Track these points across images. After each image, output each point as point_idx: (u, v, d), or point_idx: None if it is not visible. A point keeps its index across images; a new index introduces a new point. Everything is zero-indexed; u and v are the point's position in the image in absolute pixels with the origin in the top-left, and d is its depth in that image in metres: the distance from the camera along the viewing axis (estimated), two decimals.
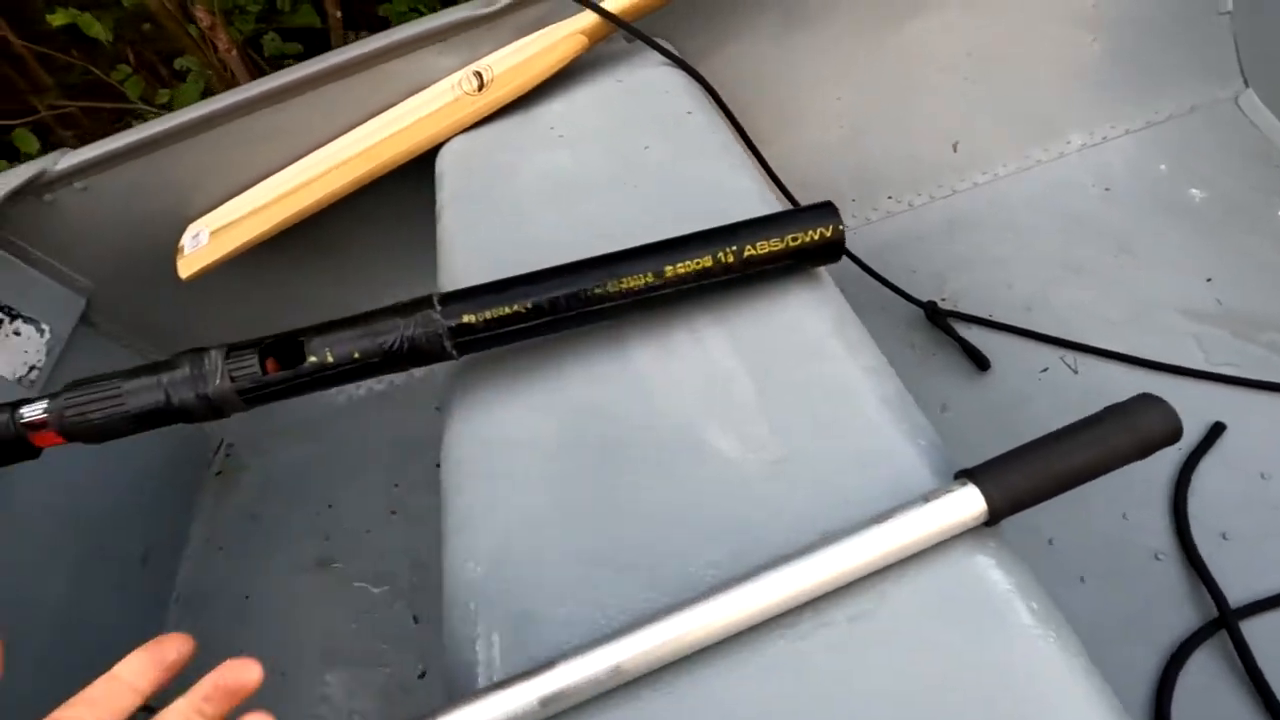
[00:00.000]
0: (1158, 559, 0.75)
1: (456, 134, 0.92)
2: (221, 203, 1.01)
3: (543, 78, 0.92)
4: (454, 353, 0.54)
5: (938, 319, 0.99)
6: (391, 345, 0.53)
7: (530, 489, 0.50)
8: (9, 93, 2.73)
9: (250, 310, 1.11)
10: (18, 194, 0.90)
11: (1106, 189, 1.08)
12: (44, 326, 0.94)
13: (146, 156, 0.95)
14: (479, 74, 0.93)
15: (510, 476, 0.52)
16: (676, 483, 0.48)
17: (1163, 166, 1.08)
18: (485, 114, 0.92)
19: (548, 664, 0.38)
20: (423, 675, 0.84)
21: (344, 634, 0.90)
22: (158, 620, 0.97)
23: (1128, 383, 0.89)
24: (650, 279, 0.55)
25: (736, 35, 1.08)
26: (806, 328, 0.55)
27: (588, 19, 0.91)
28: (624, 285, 0.54)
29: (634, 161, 0.77)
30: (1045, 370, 0.93)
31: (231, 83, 2.30)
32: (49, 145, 2.53)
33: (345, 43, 2.47)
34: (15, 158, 2.42)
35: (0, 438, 0.51)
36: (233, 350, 0.53)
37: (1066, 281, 1.01)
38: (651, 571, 0.44)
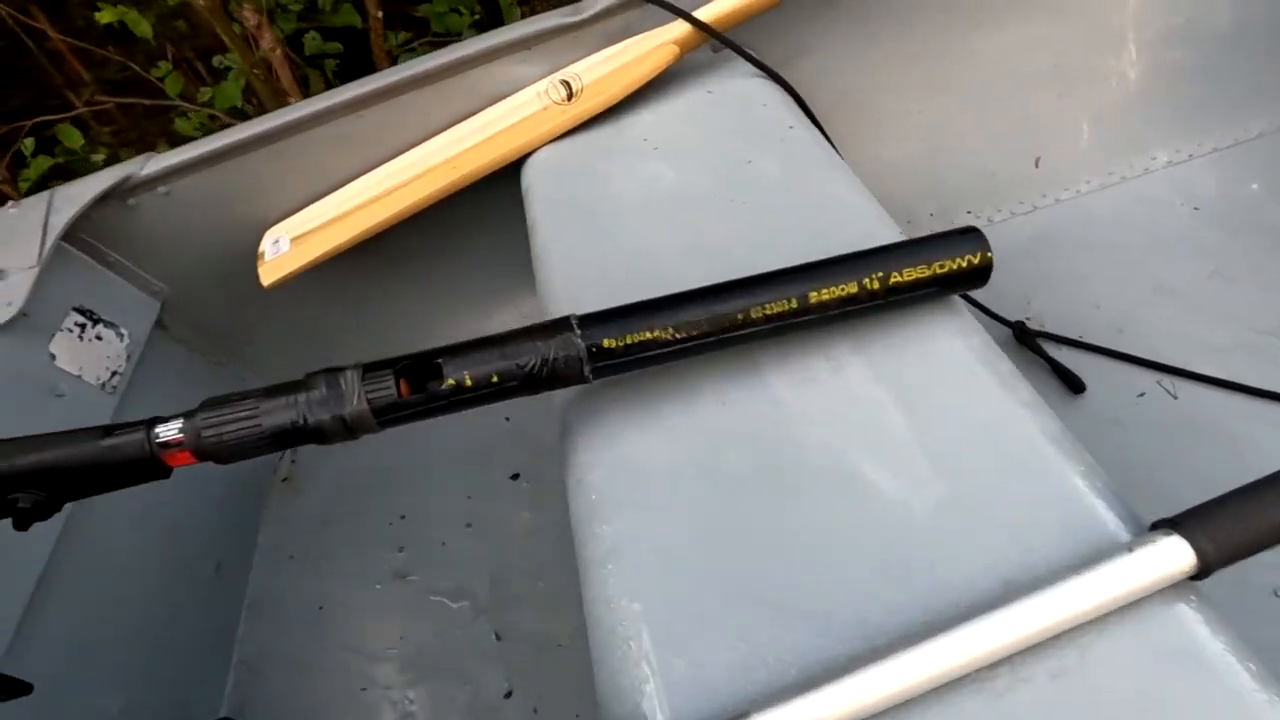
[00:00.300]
0: (1276, 596, 0.73)
1: (543, 144, 0.91)
2: (299, 209, 1.00)
3: (634, 88, 0.90)
4: (590, 376, 0.53)
5: (1026, 339, 0.97)
6: (530, 368, 0.52)
7: (679, 520, 0.49)
8: (47, 89, 2.74)
9: (325, 319, 1.11)
10: (104, 198, 0.89)
11: (1195, 208, 1.06)
12: (122, 331, 0.94)
13: (228, 162, 0.94)
14: (567, 83, 0.92)
15: (655, 506, 0.50)
16: (835, 520, 0.47)
17: (1254, 186, 1.06)
18: (574, 124, 0.90)
19: (740, 715, 0.37)
20: (509, 695, 0.83)
21: (425, 649, 0.89)
22: (231, 629, 0.96)
23: (1230, 409, 0.87)
24: (793, 305, 0.53)
25: (816, 46, 1.06)
26: (952, 358, 0.54)
27: (679, 29, 0.90)
28: (766, 311, 0.53)
29: (738, 176, 0.75)
30: (1142, 395, 0.90)
31: (273, 81, 2.30)
32: (87, 140, 2.54)
33: (385, 43, 2.47)
34: (51, 153, 2.43)
35: (135, 457, 0.50)
36: (369, 371, 0.52)
37: (1157, 303, 0.99)
38: (825, 616, 0.42)
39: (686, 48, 0.91)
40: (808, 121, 0.84)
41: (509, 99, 0.95)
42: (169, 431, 0.51)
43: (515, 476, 1.02)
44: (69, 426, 0.86)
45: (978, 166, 1.13)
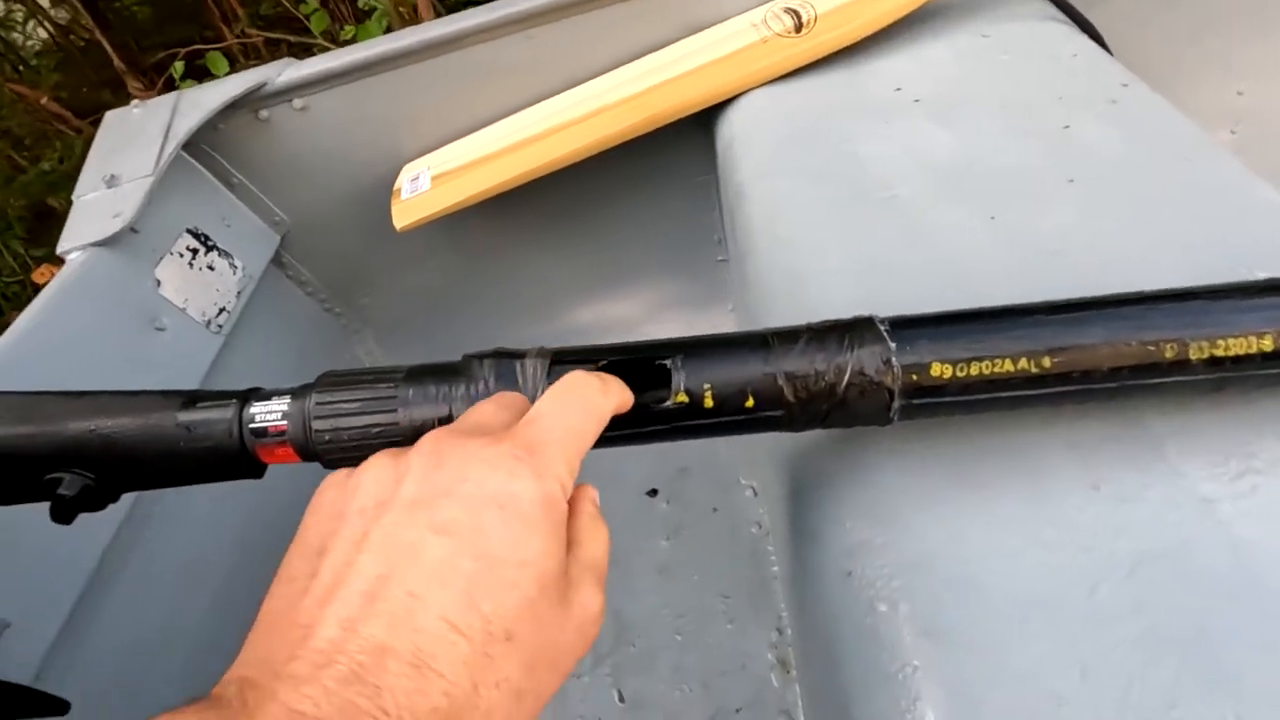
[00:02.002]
0: None
1: (757, 86, 0.71)
2: (445, 143, 0.85)
3: (882, 24, 0.69)
4: (896, 416, 0.33)
5: None
6: (812, 390, 0.33)
7: (1039, 685, 0.29)
8: (204, 19, 2.79)
9: (455, 278, 0.96)
10: (236, 105, 0.76)
11: None
12: (237, 263, 0.82)
13: (372, 78, 0.80)
14: (794, 12, 0.72)
15: (991, 645, 0.30)
16: None
17: None
18: (799, 64, 0.70)
19: None
20: None
21: None
22: None
23: None
24: (1266, 345, 0.32)
25: None
26: None
27: None
28: (1214, 350, 0.32)
29: (1059, 147, 0.53)
30: None
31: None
32: (233, 73, 2.56)
33: None
34: (200, 80, 2.45)
35: (218, 445, 0.35)
36: (558, 361, 0.34)
37: None
38: None
39: None
40: (1139, 79, 0.60)
41: (714, 28, 0.76)
42: (269, 415, 0.35)
43: (653, 493, 0.84)
44: (169, 367, 0.75)
45: None
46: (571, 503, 0.28)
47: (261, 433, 0.35)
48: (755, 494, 0.81)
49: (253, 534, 0.77)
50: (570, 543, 0.26)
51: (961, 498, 0.35)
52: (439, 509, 0.24)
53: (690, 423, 0.34)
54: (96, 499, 0.35)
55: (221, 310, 0.78)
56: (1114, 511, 0.33)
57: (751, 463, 0.83)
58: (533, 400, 0.34)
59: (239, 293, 0.81)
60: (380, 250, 0.93)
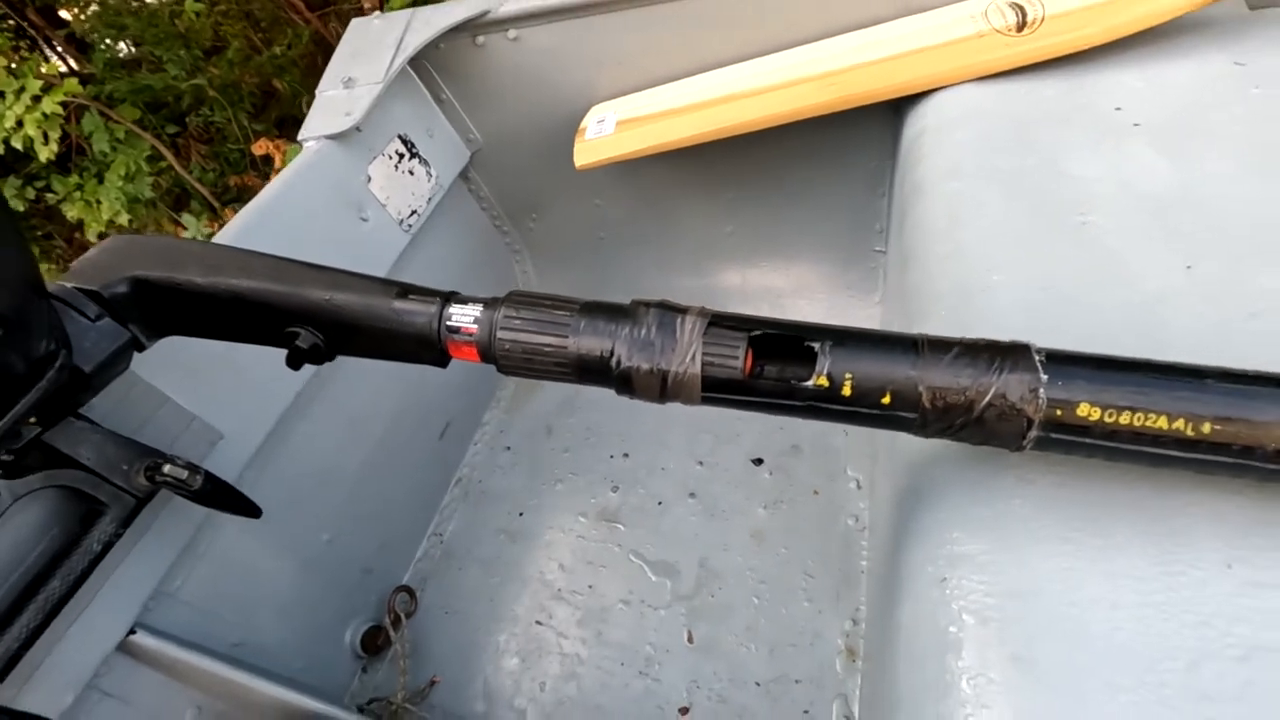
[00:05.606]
0: None
1: (961, 82, 0.68)
2: (634, 91, 0.88)
3: (1118, 35, 0.64)
4: (1029, 445, 0.34)
5: None
6: (950, 403, 0.34)
7: None
8: None
9: (614, 221, 1.01)
10: (460, 28, 0.83)
11: None
12: (433, 172, 0.91)
13: (583, 19, 0.84)
14: (1020, 8, 0.68)
15: (1088, 686, 0.31)
16: None
17: None
18: (1013, 65, 0.67)
19: None
20: (685, 713, 0.71)
21: (610, 612, 0.79)
22: (436, 499, 0.95)
23: None
24: None
25: None
26: None
27: None
28: None
29: None
30: None
31: None
32: None
33: None
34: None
35: (419, 332, 0.41)
36: (715, 324, 0.38)
37: None
38: None
39: None
40: None
41: (933, 12, 0.74)
42: (463, 317, 0.41)
43: (758, 461, 0.87)
44: (365, 253, 0.86)
45: None
46: None
47: (455, 330, 0.41)
48: (859, 487, 0.82)
49: (402, 414, 0.89)
50: None
51: (1082, 541, 0.35)
52: None
53: (824, 405, 0.36)
54: (321, 355, 0.43)
55: (413, 212, 0.87)
56: (1241, 594, 0.32)
57: (863, 456, 0.84)
58: (685, 352, 0.37)
59: (429, 199, 0.90)
60: (555, 182, 0.99)
